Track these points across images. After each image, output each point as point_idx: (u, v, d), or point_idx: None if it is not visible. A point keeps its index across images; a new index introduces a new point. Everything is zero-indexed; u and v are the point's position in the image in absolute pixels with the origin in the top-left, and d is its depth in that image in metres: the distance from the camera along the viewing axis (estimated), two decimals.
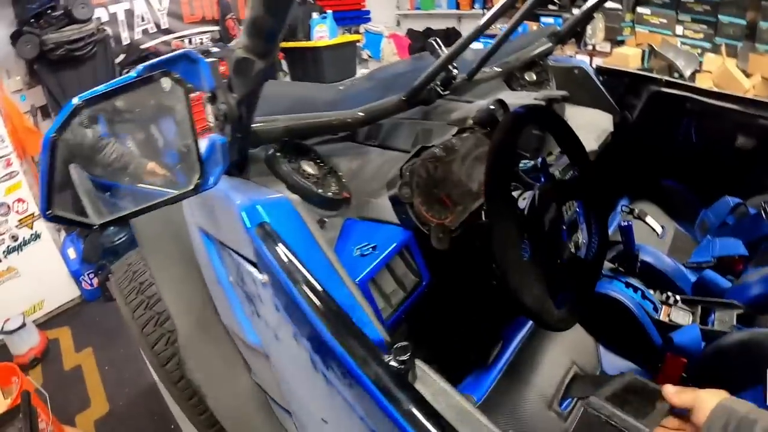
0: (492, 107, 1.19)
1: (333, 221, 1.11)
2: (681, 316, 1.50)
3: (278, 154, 1.11)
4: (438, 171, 1.08)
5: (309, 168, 1.15)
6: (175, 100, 0.81)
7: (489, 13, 1.15)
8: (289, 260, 0.83)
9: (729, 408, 0.78)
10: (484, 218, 1.12)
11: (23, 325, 2.70)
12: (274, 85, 2.29)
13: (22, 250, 2.97)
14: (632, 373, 1.07)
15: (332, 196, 1.12)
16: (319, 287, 0.80)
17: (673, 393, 0.89)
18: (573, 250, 1.12)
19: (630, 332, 1.43)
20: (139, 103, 0.87)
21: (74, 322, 3.13)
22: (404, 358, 0.71)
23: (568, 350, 1.38)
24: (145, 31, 3.73)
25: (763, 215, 1.86)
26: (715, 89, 2.17)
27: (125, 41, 3.65)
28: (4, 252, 2.91)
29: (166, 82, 0.80)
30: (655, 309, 1.50)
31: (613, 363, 1.43)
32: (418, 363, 0.77)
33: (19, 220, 2.95)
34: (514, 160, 0.96)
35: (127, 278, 1.67)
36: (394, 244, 1.03)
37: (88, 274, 3.20)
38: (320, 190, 1.11)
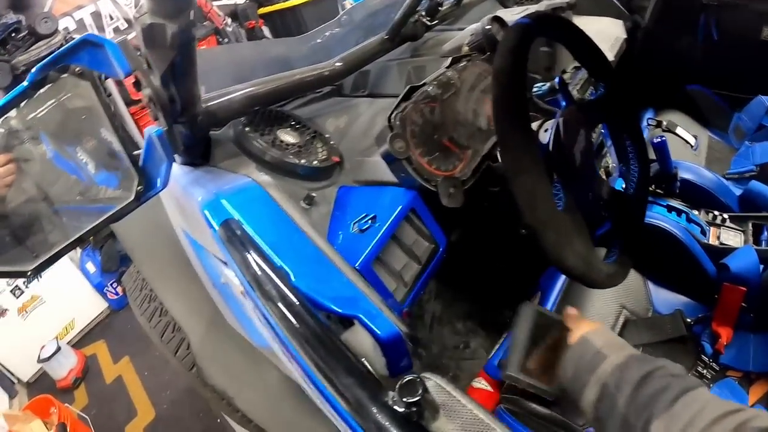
0: (488, 27, 1.00)
1: (325, 193, 0.95)
2: (731, 236, 1.37)
3: (247, 129, 0.95)
4: (436, 113, 0.90)
5: (288, 137, 1.00)
6: (86, 98, 0.69)
7: None
8: (259, 269, 0.69)
9: (587, 341, 0.76)
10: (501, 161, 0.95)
11: (58, 349, 2.69)
12: (241, 49, 2.12)
13: (41, 277, 2.84)
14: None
15: (318, 164, 0.96)
16: (296, 302, 0.65)
17: (574, 314, 0.87)
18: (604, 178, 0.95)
19: (680, 263, 1.29)
20: (48, 111, 0.74)
21: (107, 334, 3.14)
22: (413, 399, 0.55)
23: (614, 294, 1.23)
24: (116, 29, 3.60)
25: None
26: None
27: None
28: (24, 283, 2.87)
29: (67, 79, 0.67)
30: (703, 232, 1.37)
31: (666, 300, 1.28)
32: (441, 384, 0.61)
33: None
34: (525, 85, 0.76)
35: (137, 287, 1.60)
36: (397, 210, 0.85)
37: (111, 284, 3.18)
38: (303, 161, 0.95)
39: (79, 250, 3.19)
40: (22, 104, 0.67)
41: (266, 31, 4.22)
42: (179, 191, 0.90)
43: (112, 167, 0.75)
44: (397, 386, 0.55)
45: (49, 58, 0.64)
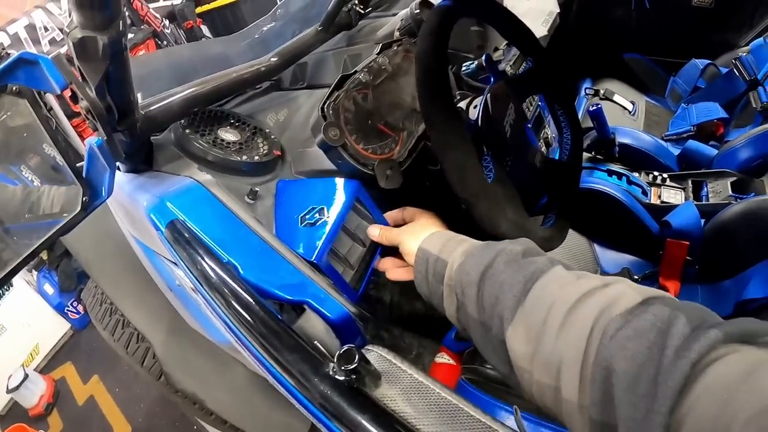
0: (417, 11, 1.02)
1: (268, 186, 0.96)
2: (672, 195, 1.43)
3: (187, 131, 0.95)
4: (368, 99, 0.91)
5: (229, 135, 1.00)
6: (25, 115, 0.68)
7: None
8: (206, 265, 0.70)
9: (425, 252, 0.69)
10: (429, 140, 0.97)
11: (26, 377, 2.63)
12: (181, 51, 2.09)
13: None
14: None
15: (260, 159, 0.97)
16: (242, 292, 0.66)
17: (377, 235, 0.84)
18: (544, 148, 0.98)
19: (623, 223, 1.34)
20: None
21: (74, 355, 3.06)
22: (352, 366, 0.57)
23: (561, 257, 1.24)
24: (52, 41, 3.44)
25: (736, 72, 1.77)
26: None
27: None
28: None
29: (5, 99, 0.67)
30: (644, 193, 1.42)
31: (612, 260, 1.33)
32: (383, 353, 0.63)
33: None
34: (447, 66, 0.78)
35: (97, 302, 1.57)
36: (344, 202, 0.85)
37: (71, 304, 3.10)
38: (245, 157, 0.95)
39: (35, 272, 3.13)
40: None
41: (205, 30, 4.15)
42: (126, 199, 0.91)
43: (58, 181, 0.76)
44: (336, 356, 0.57)
45: None
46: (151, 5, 3.68)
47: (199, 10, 3.98)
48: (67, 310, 3.08)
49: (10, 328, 2.86)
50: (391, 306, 1.42)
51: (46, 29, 3.43)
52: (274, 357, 0.62)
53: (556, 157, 1.01)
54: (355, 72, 0.91)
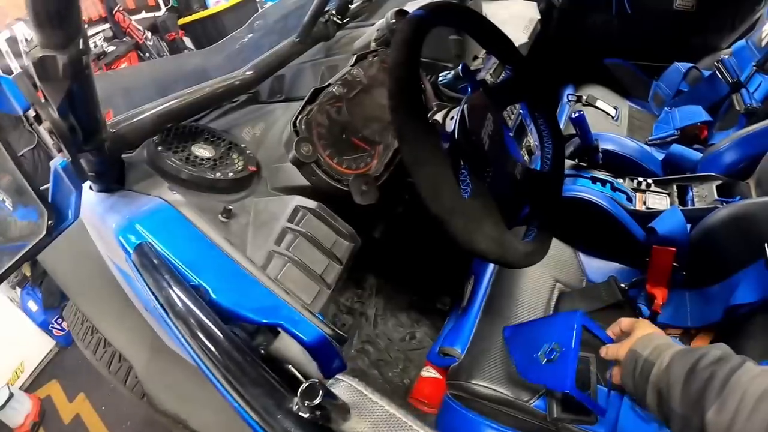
0: (392, 21, 1.00)
1: (244, 204, 0.93)
2: (657, 200, 1.41)
3: (159, 148, 0.92)
4: (342, 112, 0.89)
5: (203, 151, 0.97)
6: None
7: None
8: (171, 290, 0.67)
9: (635, 353, 0.79)
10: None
11: (11, 396, 2.58)
12: (163, 64, 2.07)
13: None
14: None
15: (234, 175, 0.94)
16: (208, 322, 0.64)
17: (606, 354, 0.88)
18: (527, 157, 0.96)
19: (608, 231, 1.32)
20: None
21: (59, 372, 3.01)
22: (315, 402, 0.54)
23: (546, 268, 1.25)
24: None
25: (718, 75, 1.77)
26: None
27: (17, 71, 3.31)
28: None
29: None
30: (629, 199, 1.41)
31: (599, 269, 1.31)
32: (353, 383, 0.61)
33: None
34: (419, 77, 0.76)
35: (78, 320, 1.55)
36: (573, 336, 0.91)
37: (55, 320, 3.04)
38: (219, 174, 0.93)
39: (18, 289, 3.08)
40: None
41: (188, 41, 4.12)
42: (97, 220, 0.88)
43: (27, 203, 0.74)
44: (299, 392, 0.55)
45: None
46: (134, 17, 3.66)
47: (181, 21, 3.94)
48: (52, 326, 3.03)
49: None
50: (375, 321, 1.40)
51: (27, 41, 3.40)
52: (237, 391, 0.59)
53: (538, 167, 1.00)
54: (329, 85, 0.89)
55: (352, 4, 1.31)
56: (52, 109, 0.64)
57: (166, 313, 0.66)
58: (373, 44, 1.04)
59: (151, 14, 3.86)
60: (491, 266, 1.24)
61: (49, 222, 0.71)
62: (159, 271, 0.69)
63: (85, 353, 1.51)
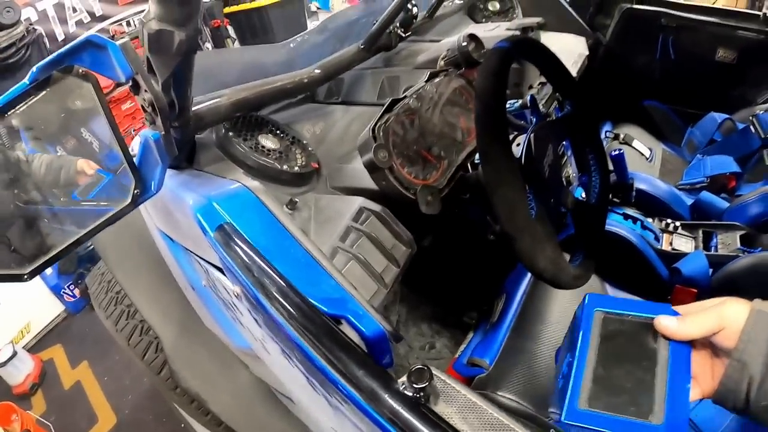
0: (464, 44, 1.05)
1: (306, 198, 0.98)
2: (683, 242, 1.46)
3: (230, 133, 0.96)
4: (415, 125, 0.94)
5: (269, 142, 1.01)
6: (87, 99, 0.68)
7: None
8: (260, 270, 0.71)
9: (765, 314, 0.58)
10: (470, 170, 1.01)
11: (14, 354, 2.59)
12: (217, 55, 2.11)
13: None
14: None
15: (299, 170, 0.99)
16: (301, 303, 0.68)
17: (675, 328, 0.59)
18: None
19: (635, 267, 1.37)
20: (49, 110, 0.73)
21: (65, 338, 3.02)
22: (422, 385, 0.60)
23: (574, 295, 1.28)
24: (79, 22, 3.51)
25: (752, 129, 1.82)
26: (689, 2, 2.06)
27: (60, 37, 3.42)
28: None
29: (70, 80, 0.66)
30: (657, 239, 1.45)
31: None
32: (437, 374, 0.65)
33: None
34: (505, 105, 0.81)
35: (103, 289, 1.56)
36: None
37: (68, 286, 3.05)
38: (285, 166, 0.97)
39: None
40: (23, 103, 0.65)
41: (231, 30, 4.18)
42: (166, 194, 0.90)
43: (112, 170, 0.76)
44: (407, 374, 0.60)
45: (51, 57, 0.64)
46: None
47: (227, 10, 4.01)
48: (63, 292, 3.04)
49: (3, 303, 2.83)
50: (397, 327, 1.44)
51: (74, 10, 3.46)
52: (341, 371, 0.63)
53: (579, 197, 1.04)
54: (405, 97, 0.94)
55: (416, 20, 1.36)
56: (156, 81, 0.67)
57: (258, 294, 0.70)
58: (441, 62, 1.09)
59: None
60: (524, 287, 1.28)
61: (135, 191, 0.72)
62: (246, 253, 0.73)
63: (105, 323, 1.52)
